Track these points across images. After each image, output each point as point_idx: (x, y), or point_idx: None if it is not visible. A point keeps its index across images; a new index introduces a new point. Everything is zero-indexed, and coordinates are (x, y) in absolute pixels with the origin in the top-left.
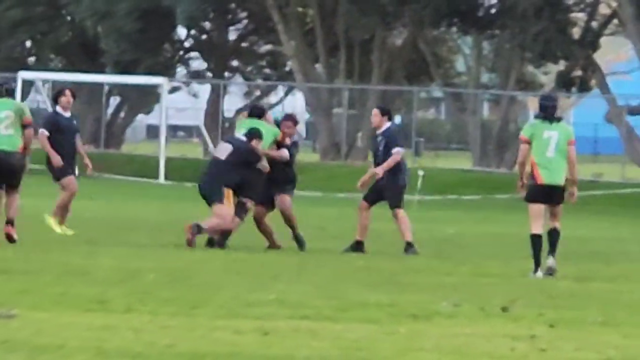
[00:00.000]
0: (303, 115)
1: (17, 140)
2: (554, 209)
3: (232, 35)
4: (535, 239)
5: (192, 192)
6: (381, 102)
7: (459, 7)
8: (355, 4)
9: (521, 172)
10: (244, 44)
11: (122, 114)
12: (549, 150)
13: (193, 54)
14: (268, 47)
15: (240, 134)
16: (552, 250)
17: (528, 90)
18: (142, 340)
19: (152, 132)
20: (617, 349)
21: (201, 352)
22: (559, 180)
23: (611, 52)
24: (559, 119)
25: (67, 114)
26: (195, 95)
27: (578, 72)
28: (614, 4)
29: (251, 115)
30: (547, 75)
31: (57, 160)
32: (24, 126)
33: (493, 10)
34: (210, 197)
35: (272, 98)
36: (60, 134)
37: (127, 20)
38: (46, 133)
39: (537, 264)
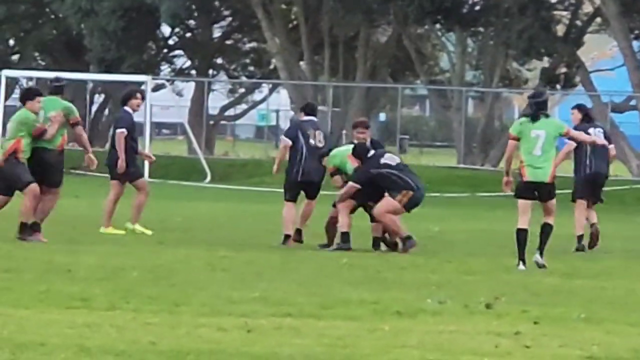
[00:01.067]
0: (287, 113)
1: (57, 140)
2: (545, 205)
3: (217, 33)
4: (519, 233)
5: (175, 190)
6: (365, 99)
7: (443, 4)
8: (340, 2)
9: (506, 168)
10: (228, 42)
11: (106, 112)
12: (535, 148)
13: (177, 51)
14: (252, 44)
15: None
16: (541, 245)
17: (512, 87)
18: (124, 338)
19: (137, 129)
20: (600, 346)
21: (184, 350)
22: (544, 177)
23: (596, 49)
24: (546, 116)
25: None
26: (179, 93)
27: (562, 69)
28: (598, 2)
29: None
30: (532, 72)
31: (122, 165)
32: (72, 125)
33: (477, 8)
34: None
35: (257, 96)
36: (132, 134)
37: (111, 18)
38: (126, 132)
39: (520, 257)
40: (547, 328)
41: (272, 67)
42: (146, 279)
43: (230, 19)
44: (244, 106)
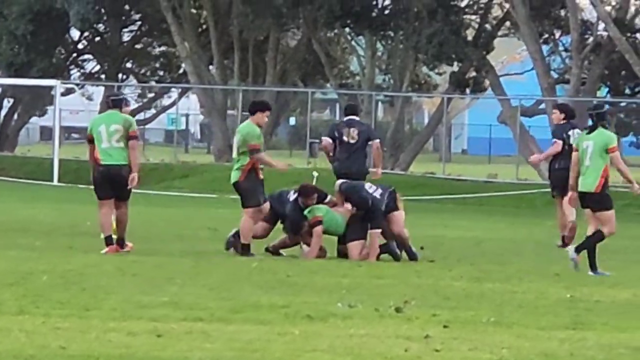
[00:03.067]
0: (197, 117)
1: (127, 154)
2: (598, 216)
3: (126, 37)
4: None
5: (86, 194)
6: (275, 103)
7: (353, 8)
8: (249, 5)
9: (571, 182)
10: (137, 46)
11: (15, 116)
12: (586, 159)
13: (87, 55)
14: (162, 48)
15: None
16: (584, 243)
17: (422, 92)
18: (34, 342)
19: (46, 134)
20: (510, 349)
21: (94, 354)
22: (589, 187)
23: (505, 53)
24: (601, 127)
25: None
26: (89, 98)
27: (472, 73)
28: (507, 6)
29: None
30: (441, 76)
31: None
32: (129, 138)
33: (387, 12)
34: None
35: (166, 100)
36: None
37: (20, 22)
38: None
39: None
40: (457, 331)
41: (181, 71)
42: (56, 284)
43: (139, 23)
44: (153, 110)
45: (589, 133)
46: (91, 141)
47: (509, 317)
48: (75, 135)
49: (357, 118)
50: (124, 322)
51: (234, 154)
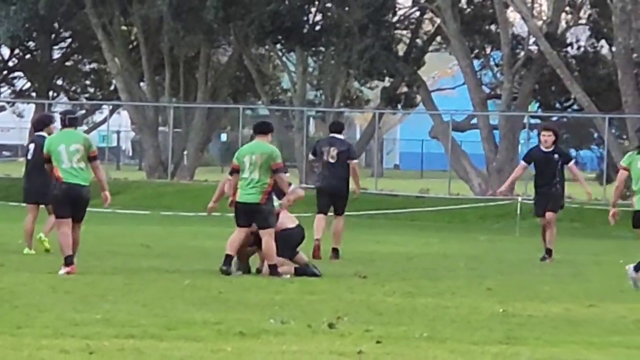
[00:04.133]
0: (128, 134)
1: (89, 175)
2: None
3: (56, 54)
4: None
5: (17, 212)
6: (207, 120)
7: (284, 24)
8: (180, 22)
9: (614, 199)
10: (68, 63)
11: None
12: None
13: (17, 73)
14: (93, 65)
15: None
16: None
17: (354, 107)
18: None
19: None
20: None
21: None
22: None
23: (437, 68)
24: None
25: None
26: (20, 115)
27: (403, 89)
28: (438, 20)
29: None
30: (373, 91)
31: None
32: (91, 159)
33: (318, 27)
34: None
35: (97, 117)
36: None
37: None
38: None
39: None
40: (389, 347)
41: (112, 88)
42: None
43: (70, 40)
44: (84, 127)
45: (638, 153)
46: (49, 161)
47: (442, 332)
48: (6, 153)
49: (340, 136)
50: (57, 340)
51: (255, 174)
